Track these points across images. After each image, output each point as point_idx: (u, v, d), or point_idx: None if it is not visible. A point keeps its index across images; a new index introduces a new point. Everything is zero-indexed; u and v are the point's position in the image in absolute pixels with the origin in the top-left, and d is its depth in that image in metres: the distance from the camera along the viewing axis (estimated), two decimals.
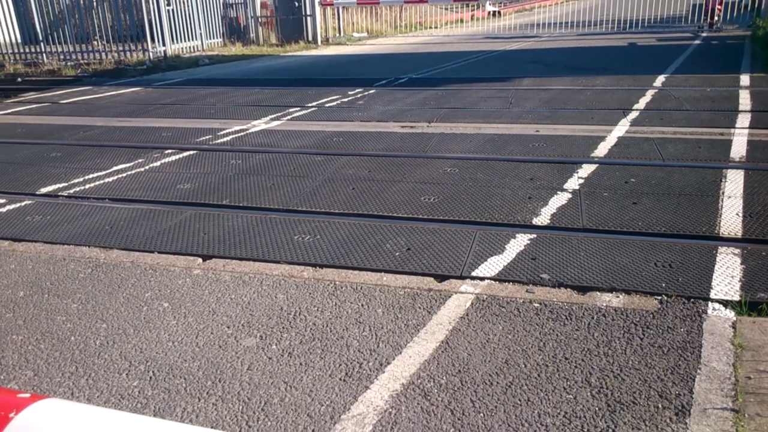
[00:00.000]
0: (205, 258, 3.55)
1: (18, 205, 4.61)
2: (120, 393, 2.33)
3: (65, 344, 2.69)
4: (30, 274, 3.43)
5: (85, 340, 2.72)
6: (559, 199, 4.22)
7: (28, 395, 0.72)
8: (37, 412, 0.70)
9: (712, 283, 2.95)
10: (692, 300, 2.82)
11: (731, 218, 3.76)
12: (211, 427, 2.11)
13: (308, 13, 17.87)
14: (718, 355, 2.38)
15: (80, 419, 0.69)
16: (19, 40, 15.46)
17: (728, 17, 17.89)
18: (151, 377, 2.42)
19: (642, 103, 7.39)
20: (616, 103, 7.40)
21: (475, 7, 26.50)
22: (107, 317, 2.92)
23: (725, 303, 2.78)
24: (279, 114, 7.68)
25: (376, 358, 2.47)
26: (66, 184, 5.07)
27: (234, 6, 18.07)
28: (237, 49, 16.83)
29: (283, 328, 2.75)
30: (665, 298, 2.85)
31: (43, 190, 4.93)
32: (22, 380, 2.44)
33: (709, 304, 2.78)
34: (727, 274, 3.04)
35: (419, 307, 2.86)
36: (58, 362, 2.56)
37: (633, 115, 6.76)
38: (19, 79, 12.56)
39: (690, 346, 2.46)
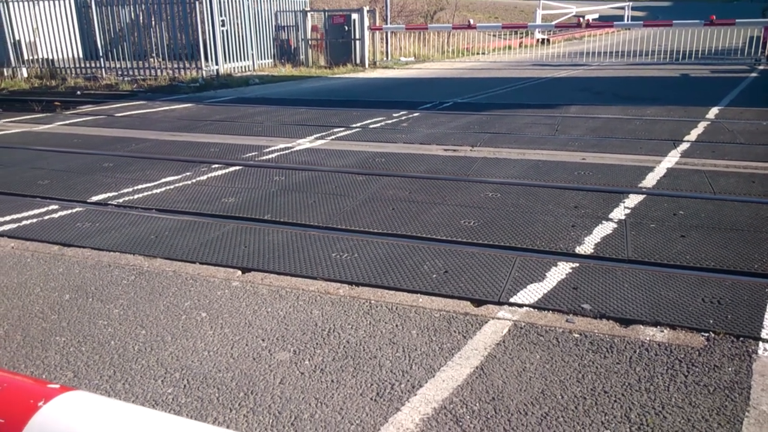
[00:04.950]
0: (245, 270, 3.59)
1: (70, 211, 4.78)
2: (154, 399, 2.36)
3: (105, 348, 2.75)
4: (76, 279, 3.53)
5: (125, 345, 2.78)
6: (603, 229, 4.12)
7: (57, 386, 0.74)
8: (64, 402, 0.71)
9: (764, 323, 2.81)
10: (741, 339, 2.69)
11: None
12: None
13: (357, 37, 18.18)
14: None
15: (105, 412, 0.70)
16: (81, 56, 16.20)
17: None
18: (185, 385, 2.45)
19: (693, 134, 7.20)
20: (667, 134, 7.23)
21: (524, 34, 26.48)
22: (147, 324, 2.97)
23: None
24: (324, 133, 7.79)
25: (408, 380, 2.44)
26: (116, 194, 5.23)
27: (286, 29, 18.54)
28: (287, 70, 17.23)
29: (317, 344, 2.74)
30: (713, 335, 2.73)
31: (94, 199, 5.10)
32: (62, 381, 2.50)
33: (760, 343, 2.65)
34: None
35: (454, 331, 2.82)
36: (97, 365, 2.62)
37: (684, 146, 6.59)
38: (79, 92, 13.13)
39: (738, 386, 2.34)
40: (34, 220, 4.57)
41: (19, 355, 2.71)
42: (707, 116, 8.43)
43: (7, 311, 3.14)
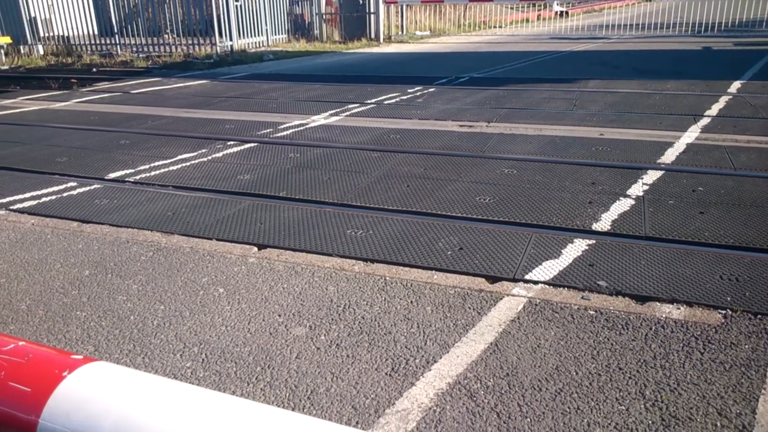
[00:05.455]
0: (261, 247, 3.62)
1: (88, 188, 4.84)
2: (173, 373, 2.40)
3: (125, 323, 2.81)
4: (95, 255, 3.59)
5: (144, 320, 2.83)
6: (621, 205, 4.08)
7: (80, 357, 0.76)
8: (88, 372, 0.73)
9: None
10: (759, 316, 2.67)
11: None
12: None
13: (372, 10, 17.97)
14: None
15: (128, 381, 0.71)
16: (96, 32, 16.22)
17: None
18: (203, 359, 2.49)
19: (714, 109, 7.06)
20: (687, 109, 7.10)
21: (542, 6, 25.99)
22: (165, 299, 3.02)
23: None
24: (338, 110, 7.76)
25: (423, 356, 2.46)
26: (133, 171, 5.28)
27: (300, 3, 18.37)
28: (301, 45, 17.11)
29: (332, 319, 2.77)
30: (730, 312, 2.71)
31: (112, 176, 5.15)
32: (83, 354, 2.55)
33: None
34: None
35: (469, 308, 2.83)
36: (117, 339, 2.67)
37: (704, 121, 6.47)
38: (94, 69, 13.18)
39: (755, 364, 2.33)
40: (54, 197, 4.63)
41: (42, 329, 2.77)
42: (729, 90, 8.25)
43: (29, 286, 3.20)
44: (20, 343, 0.78)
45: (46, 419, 0.67)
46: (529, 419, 2.07)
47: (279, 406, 2.18)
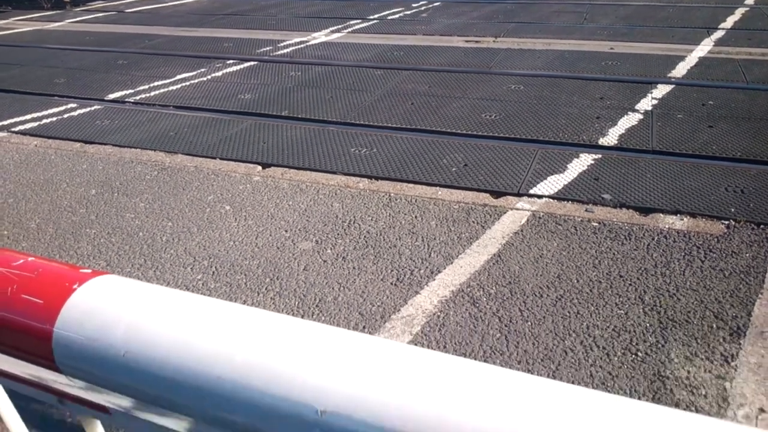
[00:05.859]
0: (265, 166, 3.62)
1: (88, 109, 4.79)
2: (185, 285, 2.47)
3: (134, 239, 2.85)
4: (100, 174, 3.60)
5: (153, 236, 2.87)
6: (629, 120, 4.02)
7: (89, 270, 0.78)
8: (97, 285, 0.75)
9: None
10: (762, 226, 2.69)
11: None
12: None
13: None
14: None
15: (136, 292, 0.73)
16: None
17: None
18: (214, 272, 2.55)
19: (729, 21, 6.81)
20: (701, 21, 6.85)
21: None
22: (172, 216, 3.05)
23: None
24: (339, 26, 7.53)
25: (427, 267, 2.51)
26: (132, 91, 5.20)
27: None
28: None
29: (338, 234, 2.81)
30: (733, 222, 2.73)
31: (111, 96, 5.09)
32: (92, 269, 2.62)
33: None
34: None
35: (473, 222, 2.85)
36: (128, 254, 2.72)
37: (718, 34, 6.25)
38: None
39: (754, 271, 2.37)
40: (54, 119, 4.59)
41: (53, 246, 2.82)
42: (746, 2, 7.93)
43: (37, 206, 3.24)
44: (30, 258, 0.79)
45: (60, 328, 0.69)
46: (529, 323, 2.13)
47: (288, 314, 2.25)
